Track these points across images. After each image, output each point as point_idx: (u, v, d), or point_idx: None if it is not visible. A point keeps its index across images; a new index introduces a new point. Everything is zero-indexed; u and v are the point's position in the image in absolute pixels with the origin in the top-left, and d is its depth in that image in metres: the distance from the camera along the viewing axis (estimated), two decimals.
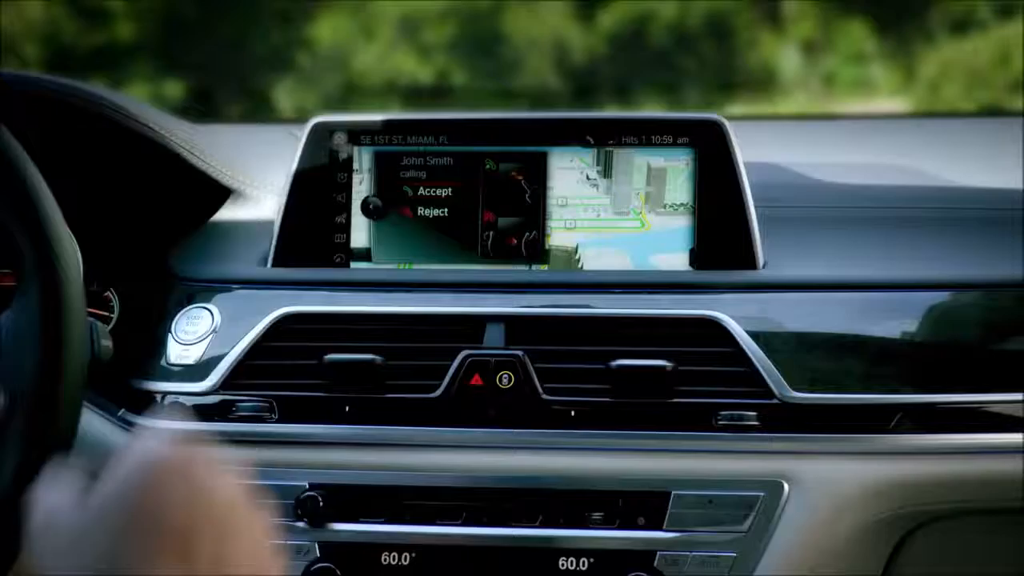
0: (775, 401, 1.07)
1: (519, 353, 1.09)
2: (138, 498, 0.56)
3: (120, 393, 1.15)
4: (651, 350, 1.09)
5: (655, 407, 1.09)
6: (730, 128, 1.16)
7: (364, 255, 1.19)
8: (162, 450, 0.57)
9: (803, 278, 1.14)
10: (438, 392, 1.10)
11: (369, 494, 1.10)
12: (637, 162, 1.17)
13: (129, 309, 1.23)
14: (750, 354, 1.08)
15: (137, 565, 0.54)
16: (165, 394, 1.14)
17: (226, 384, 1.12)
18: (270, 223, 1.20)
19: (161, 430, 0.61)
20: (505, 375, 1.09)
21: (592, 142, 1.17)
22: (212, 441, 0.59)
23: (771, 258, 1.15)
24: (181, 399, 1.13)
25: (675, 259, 1.16)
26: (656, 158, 1.17)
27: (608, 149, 1.17)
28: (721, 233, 1.15)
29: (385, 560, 1.09)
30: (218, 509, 0.57)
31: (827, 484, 1.07)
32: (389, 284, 1.16)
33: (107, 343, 1.00)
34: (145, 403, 1.14)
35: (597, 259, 1.17)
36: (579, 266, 1.17)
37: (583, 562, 1.07)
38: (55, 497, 0.60)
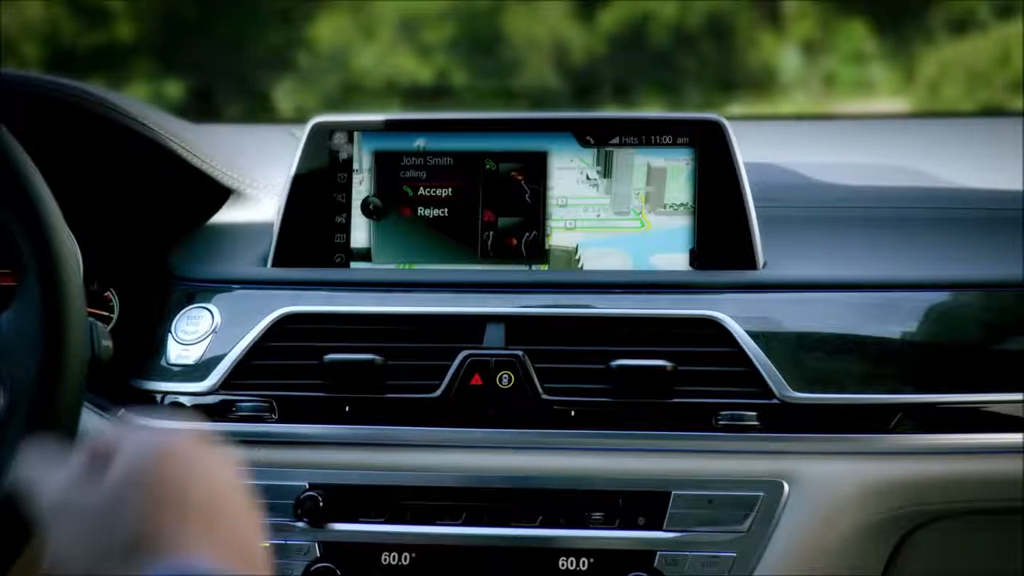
0: (775, 401, 1.07)
1: (519, 353, 1.09)
2: (157, 476, 0.59)
3: (120, 393, 1.15)
4: (651, 350, 1.09)
5: (655, 407, 1.09)
6: (730, 128, 1.16)
7: (364, 255, 1.19)
8: (164, 437, 0.62)
9: (803, 278, 1.13)
10: (438, 392, 1.10)
11: (369, 494, 1.10)
12: (637, 162, 1.17)
13: (129, 309, 1.23)
14: (750, 354, 1.08)
15: (165, 539, 0.58)
16: (165, 394, 1.14)
17: (226, 384, 1.12)
18: (270, 223, 1.20)
19: (147, 425, 0.63)
20: (505, 375, 1.09)
21: (592, 142, 1.17)
22: (206, 435, 0.63)
23: (771, 258, 1.15)
24: (181, 399, 1.13)
25: (675, 259, 1.16)
26: (656, 158, 1.17)
27: (608, 149, 1.17)
28: (721, 233, 1.15)
29: (385, 560, 1.09)
30: (227, 489, 0.62)
31: (827, 484, 1.07)
32: (389, 284, 1.16)
33: (107, 343, 1.00)
34: (145, 403, 1.14)
35: (597, 259, 1.17)
36: (579, 266, 1.17)
37: (583, 562, 1.07)
38: (61, 479, 0.62)
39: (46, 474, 0.64)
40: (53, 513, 0.61)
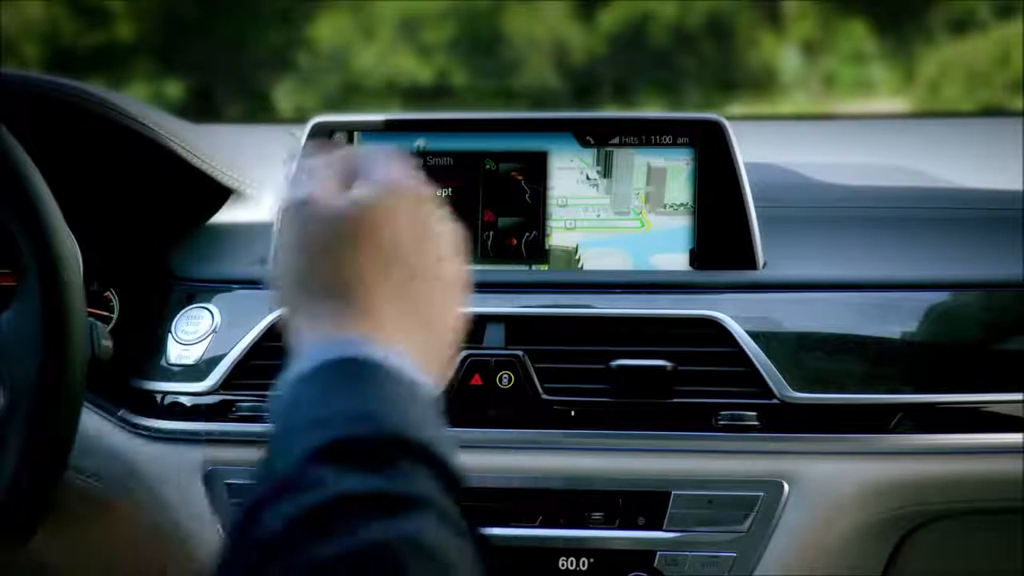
0: (775, 401, 1.07)
1: (519, 353, 1.09)
2: (378, 223, 0.59)
3: (120, 393, 1.15)
4: (651, 350, 1.09)
5: (655, 407, 1.08)
6: (730, 128, 1.16)
7: None
8: (400, 182, 0.61)
9: (803, 278, 1.13)
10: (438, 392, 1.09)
11: None
12: (637, 162, 1.17)
13: (129, 309, 1.23)
14: (750, 354, 1.08)
15: (361, 292, 0.58)
16: (165, 394, 1.14)
17: (226, 384, 1.12)
18: (270, 223, 1.20)
19: (393, 160, 0.63)
20: (505, 375, 1.09)
21: (592, 142, 1.17)
22: (434, 199, 0.62)
23: (771, 258, 1.15)
24: (181, 399, 1.13)
25: (675, 259, 1.16)
26: (656, 158, 1.17)
27: (608, 149, 1.17)
28: (721, 233, 1.15)
29: None
30: (438, 261, 0.61)
31: (827, 484, 1.07)
32: None
33: (107, 343, 1.00)
34: (145, 403, 1.14)
35: (597, 259, 1.17)
36: (579, 266, 1.17)
37: (583, 562, 1.07)
38: (314, 184, 0.62)
39: (299, 172, 0.64)
40: (288, 210, 0.61)
